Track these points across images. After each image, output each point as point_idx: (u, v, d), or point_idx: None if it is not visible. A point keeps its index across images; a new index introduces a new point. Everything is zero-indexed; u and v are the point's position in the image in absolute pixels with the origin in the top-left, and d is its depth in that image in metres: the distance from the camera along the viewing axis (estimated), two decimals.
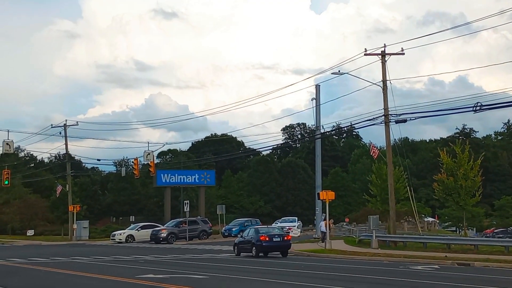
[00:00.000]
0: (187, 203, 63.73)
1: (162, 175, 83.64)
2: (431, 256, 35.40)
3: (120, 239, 64.33)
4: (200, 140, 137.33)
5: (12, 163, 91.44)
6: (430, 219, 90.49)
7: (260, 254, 38.84)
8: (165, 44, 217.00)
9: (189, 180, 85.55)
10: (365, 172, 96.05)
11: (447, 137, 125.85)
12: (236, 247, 41.18)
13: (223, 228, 69.00)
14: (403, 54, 44.30)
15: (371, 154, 57.71)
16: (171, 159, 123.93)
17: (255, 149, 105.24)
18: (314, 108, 59.19)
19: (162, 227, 65.00)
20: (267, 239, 38.79)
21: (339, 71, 47.82)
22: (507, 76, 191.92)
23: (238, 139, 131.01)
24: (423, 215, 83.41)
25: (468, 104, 34.92)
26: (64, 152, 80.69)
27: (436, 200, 64.84)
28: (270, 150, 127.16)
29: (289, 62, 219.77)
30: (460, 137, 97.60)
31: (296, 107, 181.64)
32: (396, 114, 43.30)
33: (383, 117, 44.10)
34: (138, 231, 65.97)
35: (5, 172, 66.28)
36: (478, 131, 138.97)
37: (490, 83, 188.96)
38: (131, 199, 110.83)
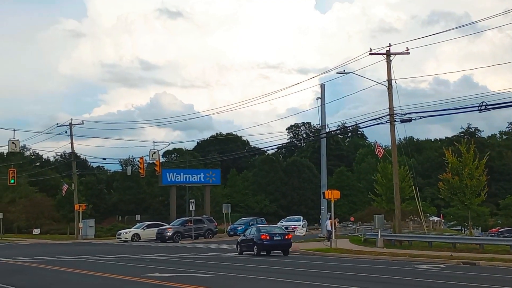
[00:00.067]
0: (193, 202, 63.80)
1: (167, 174, 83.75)
2: (437, 255, 35.40)
3: (126, 238, 64.48)
4: (205, 139, 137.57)
5: (18, 162, 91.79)
6: (436, 218, 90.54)
7: (261, 253, 39.03)
8: (170, 43, 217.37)
9: (194, 179, 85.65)
10: (370, 171, 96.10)
11: (452, 136, 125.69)
12: (238, 246, 41.36)
13: (229, 227, 69.07)
14: (408, 53, 44.30)
15: (376, 153, 57.73)
16: (176, 158, 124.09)
17: (260, 148, 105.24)
18: (319, 107, 59.16)
19: (167, 226, 65.08)
20: (268, 237, 38.97)
21: (344, 70, 47.92)
22: None
23: (243, 138, 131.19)
24: (428, 214, 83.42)
25: (473, 103, 34.92)
26: (70, 151, 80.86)
27: (441, 199, 64.87)
28: (275, 149, 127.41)
29: (294, 61, 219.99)
30: (465, 137, 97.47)
31: (301, 106, 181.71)
32: (401, 114, 43.36)
33: (388, 116, 44.12)
34: (144, 230, 66.10)
35: (11, 171, 66.45)
36: (483, 131, 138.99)
37: (495, 83, 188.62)
38: (137, 198, 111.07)
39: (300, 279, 23.05)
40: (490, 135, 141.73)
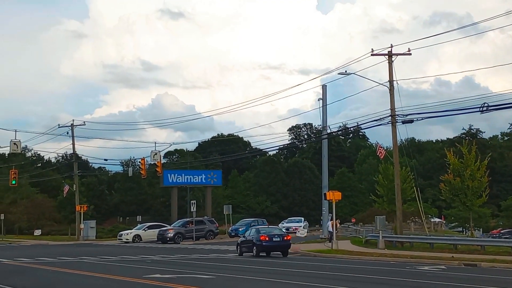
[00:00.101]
0: (194, 203, 63.83)
1: (169, 175, 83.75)
2: (438, 256, 35.39)
3: (127, 239, 64.49)
4: (206, 140, 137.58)
5: (19, 163, 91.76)
6: (437, 219, 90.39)
7: (261, 254, 39.20)
8: (172, 44, 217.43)
9: (195, 180, 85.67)
10: (371, 173, 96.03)
11: (454, 137, 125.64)
12: (238, 247, 41.56)
13: (230, 228, 69.08)
14: (410, 54, 44.31)
15: (378, 154, 57.71)
16: (177, 159, 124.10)
17: (262, 149, 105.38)
18: (321, 108, 59.17)
19: (169, 227, 65.10)
20: (267, 238, 39.17)
21: (345, 71, 47.85)
22: None
23: (245, 139, 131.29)
24: (429, 216, 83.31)
25: (475, 104, 34.91)
26: (71, 152, 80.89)
27: (442, 200, 64.77)
28: (277, 150, 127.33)
29: (295, 62, 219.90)
30: (467, 138, 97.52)
31: (303, 107, 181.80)
32: (403, 115, 43.30)
33: (390, 117, 44.10)
34: (145, 231, 66.12)
35: (12, 172, 66.49)
36: (484, 132, 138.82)
37: (496, 84, 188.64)
38: (138, 199, 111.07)
39: (300, 280, 23.02)
40: (491, 136, 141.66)
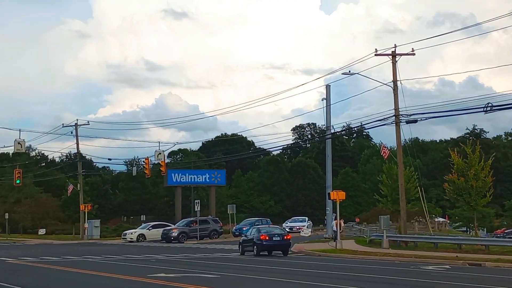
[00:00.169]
0: (198, 203, 63.87)
1: (172, 174, 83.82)
2: (442, 256, 35.39)
3: (131, 238, 64.58)
4: (210, 140, 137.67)
5: (24, 163, 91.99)
6: (441, 219, 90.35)
7: (262, 253, 39.43)
8: (175, 44, 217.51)
9: (199, 179, 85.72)
10: (375, 172, 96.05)
11: (458, 137, 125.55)
12: (240, 246, 41.84)
13: (234, 228, 69.14)
14: (414, 54, 44.32)
15: (382, 154, 57.70)
16: (181, 158, 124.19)
17: (265, 149, 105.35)
18: (324, 108, 59.14)
19: (173, 227, 65.16)
20: (267, 238, 39.45)
21: (349, 71, 47.89)
22: None
23: (248, 139, 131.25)
24: (433, 215, 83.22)
25: (479, 104, 34.91)
26: (75, 151, 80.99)
27: (446, 200, 64.91)
28: (280, 150, 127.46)
29: (299, 62, 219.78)
30: (471, 138, 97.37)
31: (306, 107, 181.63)
32: (407, 115, 43.32)
33: (394, 117, 44.10)
34: (149, 230, 66.20)
35: (16, 172, 66.63)
36: (488, 132, 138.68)
37: (500, 84, 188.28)
38: (142, 199, 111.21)
39: (304, 280, 23.04)
40: (495, 136, 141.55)
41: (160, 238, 62.64)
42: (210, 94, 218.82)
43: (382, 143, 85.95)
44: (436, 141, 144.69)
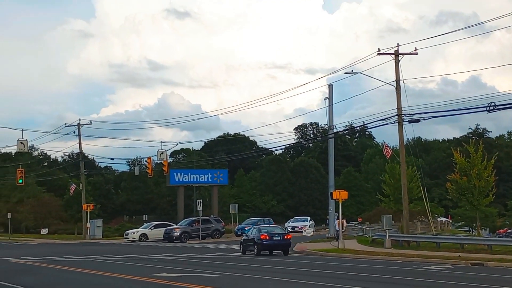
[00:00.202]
0: (200, 202, 63.85)
1: (175, 174, 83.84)
2: (445, 256, 35.34)
3: (133, 238, 64.60)
4: (212, 139, 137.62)
5: (26, 162, 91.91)
6: (443, 219, 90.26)
7: (262, 252, 39.54)
8: (178, 43, 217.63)
9: (202, 179, 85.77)
10: (378, 172, 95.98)
11: (460, 137, 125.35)
12: (241, 246, 41.97)
13: (236, 227, 69.09)
14: (417, 53, 44.23)
15: (384, 153, 57.66)
16: (184, 158, 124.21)
17: (268, 149, 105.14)
18: (327, 107, 59.09)
19: (175, 226, 65.16)
20: (267, 237, 39.57)
21: (352, 70, 47.81)
22: None
23: (251, 138, 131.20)
24: (436, 215, 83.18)
25: (481, 104, 34.82)
26: (78, 151, 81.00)
27: (449, 200, 64.68)
28: (283, 150, 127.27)
29: (301, 61, 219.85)
30: (473, 137, 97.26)
31: (309, 106, 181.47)
32: (409, 114, 43.23)
33: (396, 116, 44.05)
34: (152, 230, 66.19)
35: (19, 171, 66.64)
36: (491, 131, 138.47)
37: (503, 83, 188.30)
38: (144, 198, 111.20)
39: (306, 280, 23.03)
40: (498, 135, 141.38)
41: (162, 238, 62.61)
42: (212, 93, 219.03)
43: (384, 142, 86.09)
44: (438, 140, 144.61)
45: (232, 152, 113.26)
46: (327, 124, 62.78)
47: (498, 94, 79.60)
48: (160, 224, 67.81)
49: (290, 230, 71.00)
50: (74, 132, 75.11)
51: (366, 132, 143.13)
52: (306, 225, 72.20)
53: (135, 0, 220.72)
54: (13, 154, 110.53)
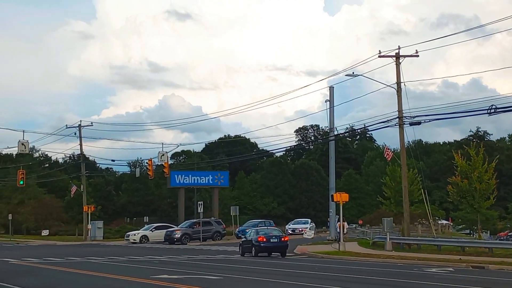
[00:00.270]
0: (201, 204, 63.89)
1: (176, 176, 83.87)
2: (446, 258, 35.32)
3: (134, 240, 64.62)
4: (213, 141, 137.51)
5: (27, 164, 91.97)
6: (444, 221, 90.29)
7: (260, 254, 39.89)
8: (179, 45, 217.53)
9: (202, 181, 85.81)
10: (378, 174, 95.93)
11: (461, 139, 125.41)
12: (240, 247, 42.36)
13: (237, 229, 69.07)
14: (418, 56, 44.21)
15: (385, 156, 57.65)
16: (184, 160, 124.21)
17: (269, 151, 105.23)
18: (328, 110, 59.10)
19: (176, 228, 65.17)
20: (264, 239, 40.05)
21: (353, 72, 47.80)
22: None
23: (251, 140, 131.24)
24: (437, 218, 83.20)
25: (483, 106, 34.86)
26: (79, 152, 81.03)
27: (450, 202, 64.77)
28: (284, 152, 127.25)
29: (302, 63, 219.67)
30: (474, 140, 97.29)
31: (310, 108, 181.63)
32: (410, 116, 43.22)
33: (397, 119, 44.05)
34: (152, 231, 66.22)
35: (20, 172, 66.69)
36: (492, 134, 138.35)
37: (504, 86, 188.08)
38: (145, 200, 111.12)
39: (307, 282, 23.02)
40: (499, 138, 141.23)
41: (163, 240, 62.66)
42: (213, 95, 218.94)
43: (385, 145, 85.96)
44: (439, 143, 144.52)
45: (232, 154, 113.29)
46: (328, 126, 62.87)
47: (499, 96, 79.81)
48: (161, 226, 67.85)
49: (290, 232, 71.06)
50: (75, 134, 75.16)
51: (367, 135, 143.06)
52: (306, 227, 72.10)
53: (136, 2, 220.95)
54: (14, 156, 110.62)
